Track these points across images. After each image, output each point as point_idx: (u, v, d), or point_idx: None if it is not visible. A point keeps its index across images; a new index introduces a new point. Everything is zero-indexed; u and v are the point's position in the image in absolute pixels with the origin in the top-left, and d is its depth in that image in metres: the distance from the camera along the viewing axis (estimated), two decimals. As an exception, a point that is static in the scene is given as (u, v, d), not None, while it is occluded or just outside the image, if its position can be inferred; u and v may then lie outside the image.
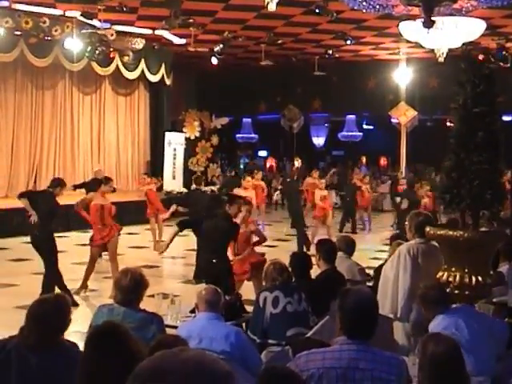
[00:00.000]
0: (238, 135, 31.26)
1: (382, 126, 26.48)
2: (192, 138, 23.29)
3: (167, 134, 22.22)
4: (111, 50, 18.57)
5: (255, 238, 9.53)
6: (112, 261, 10.43)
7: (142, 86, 22.74)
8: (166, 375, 2.14)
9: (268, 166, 31.50)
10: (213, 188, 20.13)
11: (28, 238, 9.97)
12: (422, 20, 10.65)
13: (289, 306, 5.60)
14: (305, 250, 13.29)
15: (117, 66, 19.58)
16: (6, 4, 15.41)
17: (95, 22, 16.65)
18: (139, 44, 18.86)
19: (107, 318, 4.53)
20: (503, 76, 15.34)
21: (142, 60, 20.26)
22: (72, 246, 14.10)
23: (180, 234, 8.80)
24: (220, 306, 4.93)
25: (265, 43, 19.88)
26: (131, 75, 20.47)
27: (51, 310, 3.67)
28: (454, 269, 5.54)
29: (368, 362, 3.36)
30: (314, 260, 6.67)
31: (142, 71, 20.55)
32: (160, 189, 18.40)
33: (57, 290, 9.30)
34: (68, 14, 16.25)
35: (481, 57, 5.95)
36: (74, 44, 17.06)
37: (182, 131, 23.00)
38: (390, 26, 16.41)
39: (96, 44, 17.46)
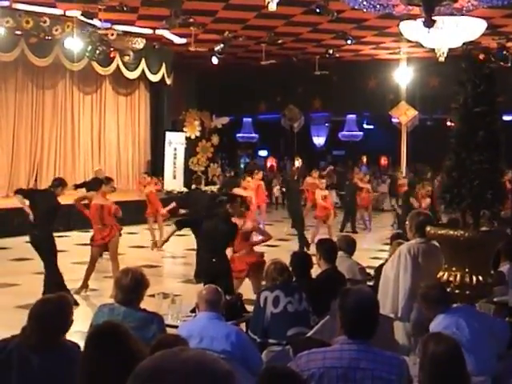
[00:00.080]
0: (238, 135, 31.25)
1: (383, 126, 26.47)
2: (192, 137, 23.30)
3: (168, 133, 22.22)
4: (112, 49, 18.57)
5: (256, 237, 9.53)
6: (113, 260, 10.43)
7: (143, 86, 22.75)
8: (166, 375, 2.14)
9: (268, 165, 31.49)
10: (212, 188, 20.15)
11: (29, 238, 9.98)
12: (423, 19, 10.65)
13: (289, 305, 5.60)
14: (304, 249, 13.31)
15: (117, 65, 19.59)
16: (7, 4, 15.41)
17: (96, 22, 16.65)
18: (140, 44, 18.86)
19: (108, 317, 4.53)
20: (504, 75, 15.34)
21: (143, 60, 20.27)
22: (73, 246, 14.10)
23: (180, 233, 8.81)
24: (221, 305, 4.93)
25: (265, 43, 19.88)
26: (132, 75, 20.48)
27: (53, 310, 3.67)
28: (454, 268, 5.54)
29: (369, 361, 3.36)
30: (314, 259, 6.67)
31: (143, 71, 20.55)
32: (159, 190, 18.39)
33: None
34: (68, 13, 16.25)
35: (481, 56, 5.94)
36: (75, 44, 17.07)
37: (182, 131, 23.00)
38: (391, 26, 16.41)
39: (96, 44, 17.46)
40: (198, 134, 23.46)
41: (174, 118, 23.45)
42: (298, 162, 28.50)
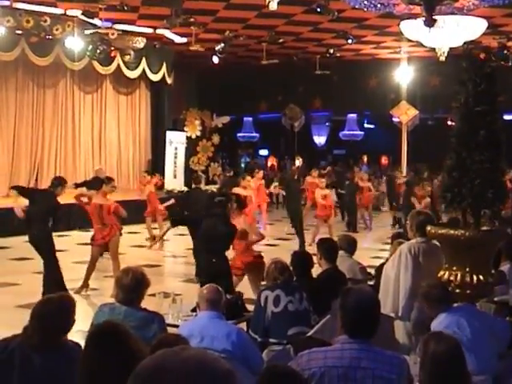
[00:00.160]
0: (239, 134, 31.26)
1: (383, 125, 26.47)
2: (193, 136, 23.30)
3: (168, 132, 22.22)
4: (112, 48, 18.58)
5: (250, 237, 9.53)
6: (113, 260, 10.43)
7: (143, 85, 22.75)
8: (167, 374, 2.14)
9: (269, 165, 31.50)
10: (213, 188, 20.15)
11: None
12: (424, 19, 10.64)
13: (290, 304, 5.60)
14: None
15: (118, 64, 19.60)
16: (7, 3, 15.41)
17: (96, 21, 16.66)
18: (140, 43, 18.86)
19: (108, 317, 4.53)
20: (504, 75, 15.33)
21: (143, 59, 20.28)
22: (73, 245, 14.10)
23: (180, 232, 8.82)
24: (221, 304, 4.93)
25: (266, 42, 19.89)
26: (132, 74, 20.48)
27: (55, 309, 3.67)
28: (455, 268, 5.54)
29: (369, 361, 3.36)
30: (315, 259, 6.67)
31: (143, 70, 20.56)
32: (161, 187, 18.41)
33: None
34: (69, 13, 16.26)
35: (482, 56, 5.94)
36: (75, 43, 17.07)
37: (183, 130, 23.00)
38: (391, 25, 16.41)
39: (97, 43, 17.47)
40: (198, 133, 23.46)
41: (175, 118, 23.46)
42: (298, 162, 28.51)
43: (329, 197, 15.81)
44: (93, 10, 15.54)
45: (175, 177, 21.96)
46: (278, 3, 12.23)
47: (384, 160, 31.19)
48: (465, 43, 12.26)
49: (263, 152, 34.32)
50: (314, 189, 17.03)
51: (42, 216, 9.61)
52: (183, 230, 12.42)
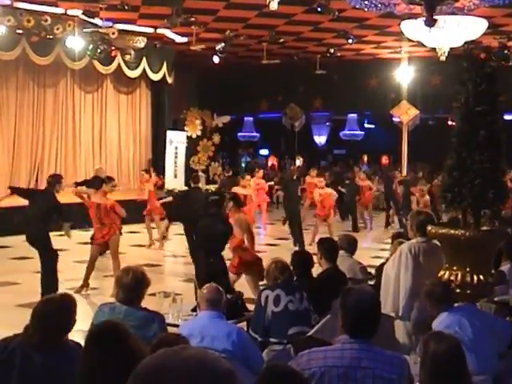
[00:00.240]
0: (239, 134, 31.25)
1: (384, 125, 26.46)
2: (193, 136, 23.30)
3: (169, 132, 22.21)
4: (113, 48, 18.56)
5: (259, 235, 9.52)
6: (114, 259, 10.44)
7: (144, 85, 22.75)
8: (167, 373, 2.14)
9: (269, 164, 31.50)
10: (212, 187, 20.17)
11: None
12: (424, 19, 10.64)
13: (290, 304, 5.61)
14: (297, 248, 13.38)
15: (118, 64, 19.59)
16: (8, 2, 15.42)
17: (97, 21, 16.66)
18: (141, 42, 18.85)
19: (109, 316, 4.53)
20: (505, 75, 15.32)
21: (144, 58, 20.27)
22: (73, 245, 14.06)
23: (181, 232, 8.84)
24: (222, 304, 4.93)
25: (266, 42, 19.88)
26: (133, 74, 20.48)
27: (56, 309, 3.68)
28: (455, 268, 5.54)
29: (370, 360, 3.37)
30: (315, 258, 6.68)
31: (144, 70, 20.55)
32: (161, 187, 18.40)
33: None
34: (70, 12, 16.26)
35: (482, 55, 5.94)
36: (76, 42, 17.07)
37: (183, 130, 23.00)
38: (392, 25, 16.40)
39: (98, 42, 17.46)
40: (199, 132, 23.46)
41: (175, 117, 23.45)
42: (299, 161, 28.52)
43: (327, 196, 15.79)
44: (93, 9, 15.54)
45: (176, 176, 21.96)
46: (279, 3, 12.22)
47: (384, 160, 31.18)
48: (465, 43, 12.26)
49: (264, 152, 34.32)
50: (313, 188, 17.06)
51: (43, 216, 9.63)
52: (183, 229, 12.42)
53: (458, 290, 5.36)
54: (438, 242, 5.94)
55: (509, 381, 4.38)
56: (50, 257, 9.62)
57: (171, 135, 22.17)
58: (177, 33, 18.57)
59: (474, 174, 5.41)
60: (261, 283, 8.19)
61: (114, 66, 19.50)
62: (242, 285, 8.78)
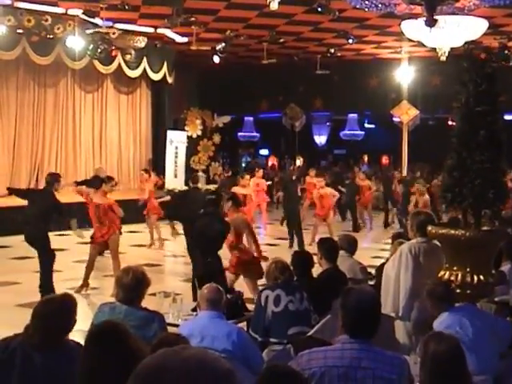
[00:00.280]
0: (239, 134, 31.25)
1: (384, 125, 26.47)
2: (194, 136, 23.30)
3: (169, 132, 22.21)
4: (113, 48, 18.57)
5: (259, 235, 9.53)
6: (114, 259, 10.45)
7: (144, 85, 22.76)
8: (167, 373, 2.15)
9: (270, 164, 31.50)
10: (211, 187, 20.17)
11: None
12: (425, 19, 10.64)
13: (290, 304, 5.61)
14: (292, 249, 13.39)
15: (119, 64, 19.59)
16: (9, 2, 15.42)
17: (97, 21, 16.66)
18: (141, 42, 18.86)
19: (109, 316, 4.53)
20: (505, 75, 15.32)
21: (144, 58, 20.27)
22: (73, 244, 14.08)
23: (181, 232, 8.85)
24: (222, 304, 4.93)
25: (267, 42, 19.88)
26: (133, 73, 20.48)
27: (57, 309, 3.68)
28: (455, 268, 5.54)
29: (370, 361, 3.37)
30: (315, 259, 6.68)
31: (144, 69, 20.56)
32: (162, 187, 18.40)
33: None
34: (70, 12, 16.26)
35: (483, 56, 5.94)
36: (76, 42, 17.07)
37: (183, 129, 23.00)
38: (392, 25, 16.40)
39: (98, 42, 17.46)
40: (199, 132, 23.46)
41: (176, 117, 23.46)
42: (299, 161, 28.51)
43: (327, 196, 15.79)
44: (94, 9, 15.55)
45: (176, 176, 21.96)
46: (279, 3, 12.22)
47: (385, 160, 31.19)
48: (466, 43, 12.26)
49: (264, 152, 34.32)
50: (312, 189, 17.08)
51: (42, 215, 9.63)
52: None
53: (458, 291, 5.36)
54: (438, 243, 5.94)
55: (509, 381, 4.37)
56: (48, 257, 9.62)
57: (171, 135, 22.17)
58: (177, 33, 18.57)
59: (475, 174, 5.41)
60: (260, 283, 8.19)
61: (114, 65, 19.51)
62: (242, 285, 8.77)
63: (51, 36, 16.76)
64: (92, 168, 19.38)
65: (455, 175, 5.53)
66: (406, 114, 22.41)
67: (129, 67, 20.07)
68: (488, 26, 11.95)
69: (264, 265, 7.35)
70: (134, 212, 15.57)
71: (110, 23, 17.34)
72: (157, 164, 22.31)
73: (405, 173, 21.66)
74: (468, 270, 5.48)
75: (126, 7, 15.17)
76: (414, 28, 11.56)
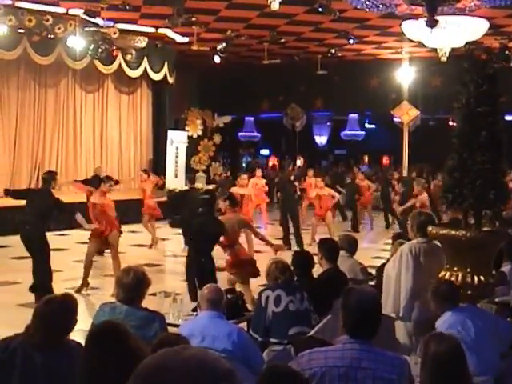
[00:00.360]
0: (240, 134, 31.23)
1: (385, 125, 26.46)
2: (194, 136, 23.28)
3: (169, 132, 22.20)
4: (114, 48, 18.57)
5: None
6: (114, 259, 10.46)
7: (145, 85, 22.76)
8: (168, 373, 2.15)
9: (270, 164, 31.50)
10: (211, 187, 20.18)
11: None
12: (425, 19, 10.64)
13: (291, 304, 5.61)
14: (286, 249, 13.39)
15: (119, 64, 19.59)
16: (9, 2, 15.42)
17: (98, 21, 16.66)
18: (142, 42, 18.86)
19: (109, 316, 4.53)
20: (506, 76, 15.31)
21: (145, 58, 20.27)
22: (73, 244, 14.11)
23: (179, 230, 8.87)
24: (222, 304, 4.93)
25: (267, 42, 19.88)
26: (134, 73, 20.48)
27: (58, 309, 3.68)
28: (456, 268, 5.55)
29: (370, 361, 3.36)
30: (316, 259, 6.68)
31: (145, 69, 20.56)
32: (162, 187, 18.39)
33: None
34: (71, 12, 16.26)
35: (483, 56, 5.95)
36: (77, 42, 17.07)
37: (184, 129, 22.98)
38: (393, 26, 16.40)
39: (99, 42, 17.46)
40: (199, 132, 23.44)
41: (176, 117, 23.46)
42: (299, 161, 28.51)
43: (325, 197, 15.79)
44: (95, 9, 15.54)
45: (176, 176, 21.94)
46: (280, 3, 12.22)
47: (385, 160, 31.20)
48: (466, 44, 12.26)
49: (264, 152, 34.33)
50: (310, 188, 17.14)
51: (42, 214, 9.64)
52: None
53: (458, 291, 5.36)
54: (438, 243, 5.94)
55: (510, 381, 4.37)
56: (45, 256, 9.58)
57: (172, 135, 22.16)
58: (178, 33, 18.57)
59: (475, 175, 5.42)
60: (260, 283, 8.18)
61: (115, 65, 19.50)
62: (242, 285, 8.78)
63: (52, 36, 16.76)
64: (92, 168, 19.37)
65: (456, 176, 5.53)
66: (406, 114, 22.40)
67: (129, 67, 20.07)
68: (489, 27, 11.95)
69: (264, 263, 7.36)
70: (134, 212, 15.59)
71: (111, 23, 17.34)
72: (157, 164, 22.31)
73: (405, 173, 21.65)
74: (468, 270, 5.49)
75: (127, 7, 15.17)
76: (415, 28, 11.57)
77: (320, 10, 14.87)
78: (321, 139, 31.72)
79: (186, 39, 19.16)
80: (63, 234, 15.51)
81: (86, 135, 21.16)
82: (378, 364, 3.36)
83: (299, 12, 16.39)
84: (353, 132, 29.87)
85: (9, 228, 14.67)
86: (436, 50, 12.97)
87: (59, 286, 9.51)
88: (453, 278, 5.46)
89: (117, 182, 15.07)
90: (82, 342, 3.44)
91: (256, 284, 8.94)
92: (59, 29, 16.80)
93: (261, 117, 29.70)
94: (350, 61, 23.02)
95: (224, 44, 18.96)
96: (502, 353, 4.71)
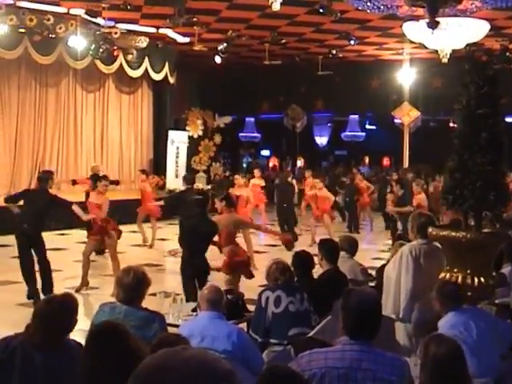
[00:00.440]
0: (240, 134, 31.24)
1: (385, 126, 26.46)
2: (195, 136, 23.30)
3: (170, 132, 22.23)
4: (115, 48, 18.56)
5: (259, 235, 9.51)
6: (113, 259, 10.47)
7: (146, 85, 22.76)
8: (168, 373, 2.14)
9: (271, 165, 31.50)
10: (210, 188, 20.18)
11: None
12: (427, 21, 10.65)
13: (291, 305, 5.61)
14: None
15: (120, 64, 19.59)
16: (11, 1, 15.42)
17: (99, 20, 16.66)
18: (143, 42, 18.86)
19: (109, 316, 4.53)
20: (507, 77, 15.32)
21: (146, 58, 20.27)
22: (73, 244, 14.10)
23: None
24: (222, 305, 4.93)
25: (268, 43, 19.89)
26: (135, 73, 20.48)
27: (58, 309, 3.68)
28: (456, 270, 5.54)
29: (370, 362, 3.36)
30: (316, 260, 6.67)
31: (146, 69, 20.56)
32: (162, 187, 18.39)
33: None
34: (72, 11, 16.26)
35: (484, 58, 5.95)
36: (78, 42, 17.07)
37: (185, 130, 23.00)
38: (394, 27, 16.41)
39: (100, 42, 17.46)
40: (200, 132, 23.45)
41: (177, 117, 23.47)
42: (300, 162, 28.50)
43: (322, 198, 15.79)
44: (96, 9, 15.55)
45: (177, 176, 21.93)
46: (281, 4, 12.23)
47: (386, 161, 31.19)
48: (467, 45, 12.28)
49: (265, 152, 34.33)
50: (308, 190, 17.17)
51: (41, 213, 9.66)
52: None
53: (458, 292, 5.37)
54: (438, 244, 5.94)
55: (510, 383, 4.37)
56: (45, 254, 9.62)
57: (173, 135, 22.18)
58: (179, 33, 18.57)
59: (476, 177, 5.42)
60: (260, 284, 8.18)
61: (116, 65, 19.50)
62: (242, 285, 8.77)
63: (53, 35, 16.76)
64: (93, 167, 19.40)
65: (456, 177, 5.53)
66: (407, 115, 22.41)
67: (130, 67, 20.07)
68: (490, 29, 11.96)
69: (264, 263, 7.36)
70: (134, 212, 15.58)
71: (112, 23, 17.33)
72: (158, 164, 22.32)
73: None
74: (469, 271, 5.49)
75: (128, 7, 15.18)
76: (416, 30, 11.58)
77: (321, 10, 14.87)
78: (321, 140, 31.72)
79: (186, 39, 19.16)
80: (63, 234, 15.52)
81: (86, 135, 21.15)
82: (378, 365, 3.36)
83: (300, 13, 16.40)
84: (353, 133, 29.88)
85: (9, 227, 14.65)
86: (437, 51, 12.99)
87: (59, 286, 9.52)
88: (453, 280, 5.45)
89: (117, 183, 15.09)
90: (82, 342, 3.44)
91: (256, 284, 8.94)
92: (60, 28, 16.80)
93: (261, 117, 29.70)
94: (350, 62, 23.02)
95: (225, 44, 18.96)
96: (502, 354, 4.71)
